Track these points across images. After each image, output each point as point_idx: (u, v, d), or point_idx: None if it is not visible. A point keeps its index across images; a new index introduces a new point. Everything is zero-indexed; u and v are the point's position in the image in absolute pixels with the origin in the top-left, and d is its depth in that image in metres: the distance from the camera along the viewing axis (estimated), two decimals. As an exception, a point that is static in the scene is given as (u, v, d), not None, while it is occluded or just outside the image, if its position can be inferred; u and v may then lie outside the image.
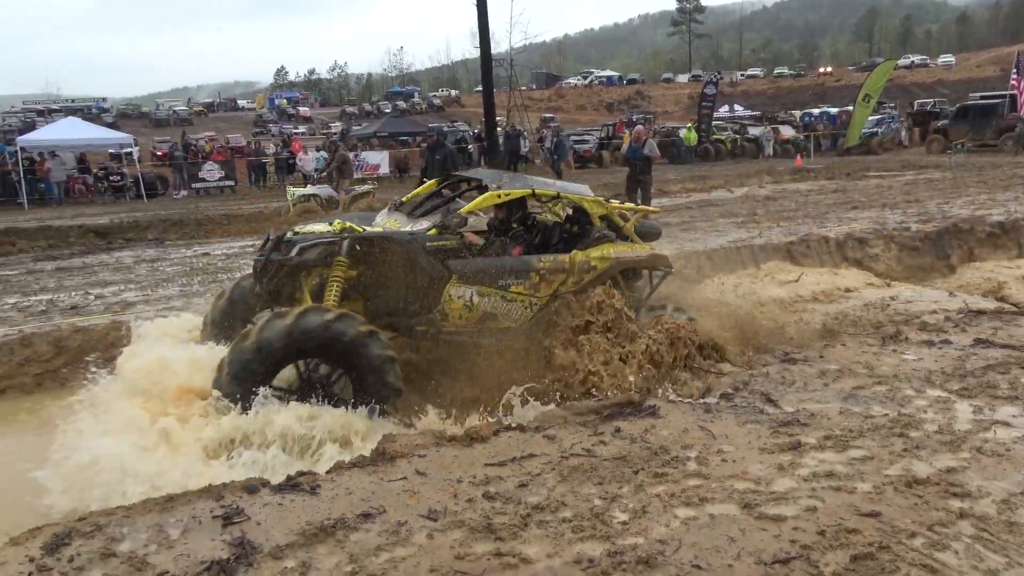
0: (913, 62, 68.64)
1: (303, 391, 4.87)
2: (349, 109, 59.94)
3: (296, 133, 41.63)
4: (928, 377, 4.94)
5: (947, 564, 2.76)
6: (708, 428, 4.11)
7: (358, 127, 41.78)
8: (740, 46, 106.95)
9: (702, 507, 3.19)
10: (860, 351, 5.67)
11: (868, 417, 4.24)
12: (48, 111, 50.35)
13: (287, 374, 4.95)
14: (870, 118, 31.89)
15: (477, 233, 6.14)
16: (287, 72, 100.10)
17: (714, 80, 34.62)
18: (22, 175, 21.94)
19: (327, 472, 3.71)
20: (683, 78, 74.03)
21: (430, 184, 6.80)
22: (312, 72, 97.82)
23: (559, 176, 23.55)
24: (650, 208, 7.12)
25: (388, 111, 53.17)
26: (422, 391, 5.32)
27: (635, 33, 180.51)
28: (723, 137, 31.77)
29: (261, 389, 4.60)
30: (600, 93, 68.80)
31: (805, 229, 10.96)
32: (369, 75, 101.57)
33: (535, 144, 30.20)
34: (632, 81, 74.84)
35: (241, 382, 4.58)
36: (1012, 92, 27.17)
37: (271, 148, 31.60)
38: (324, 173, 17.84)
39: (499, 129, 30.40)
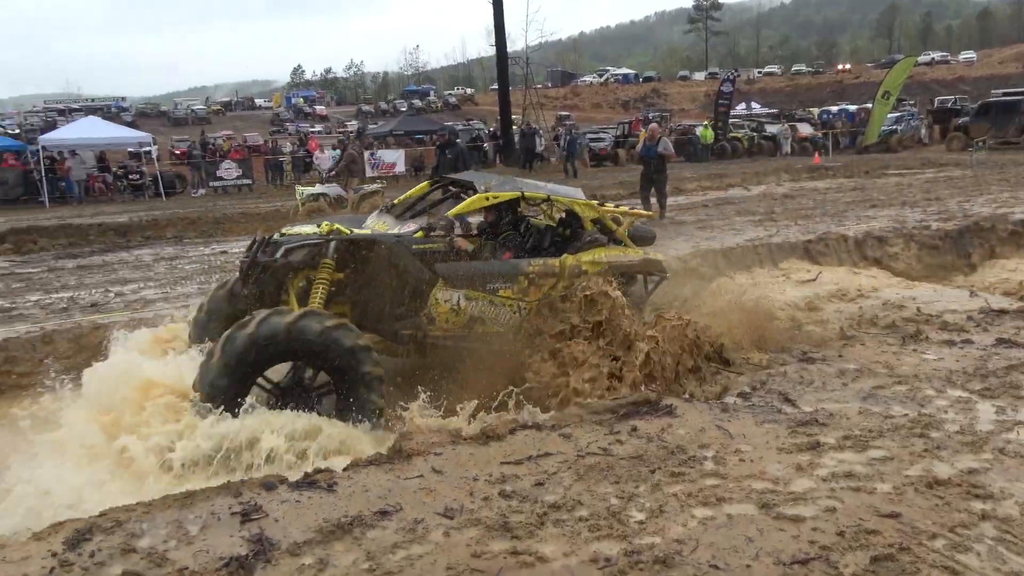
0: (933, 59, 67.85)
1: (286, 393, 4.76)
2: (365, 108, 60.23)
3: (312, 132, 41.87)
4: (949, 377, 4.88)
5: (969, 566, 2.73)
6: (725, 427, 4.08)
7: (374, 125, 41.90)
8: (757, 43, 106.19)
9: (720, 507, 3.18)
10: (879, 350, 5.61)
11: (888, 417, 4.19)
12: (69, 110, 51.07)
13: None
14: (889, 115, 31.50)
15: (467, 238, 6.08)
16: (304, 71, 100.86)
17: (731, 78, 34.33)
18: (43, 174, 22.19)
19: (344, 469, 3.73)
20: (699, 76, 73.67)
21: (422, 186, 6.70)
22: (328, 71, 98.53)
23: (574, 175, 23.53)
24: (642, 212, 6.95)
25: (404, 110, 53.32)
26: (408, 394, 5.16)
27: (651, 30, 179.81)
28: (740, 135, 31.52)
29: (248, 398, 4.50)
30: (616, 91, 68.63)
31: (823, 227, 10.86)
32: (385, 74, 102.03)
33: (550, 142, 30.14)
34: (648, 79, 74.59)
35: (231, 374, 4.45)
36: (1035, 88, 26.75)
37: (288, 147, 31.79)
38: (333, 172, 17.86)
39: (514, 127, 30.41)
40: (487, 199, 5.70)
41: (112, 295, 8.67)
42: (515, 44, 37.83)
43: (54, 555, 2.87)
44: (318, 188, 16.93)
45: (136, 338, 5.92)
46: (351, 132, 37.52)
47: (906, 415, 4.21)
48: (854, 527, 2.97)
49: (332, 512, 3.19)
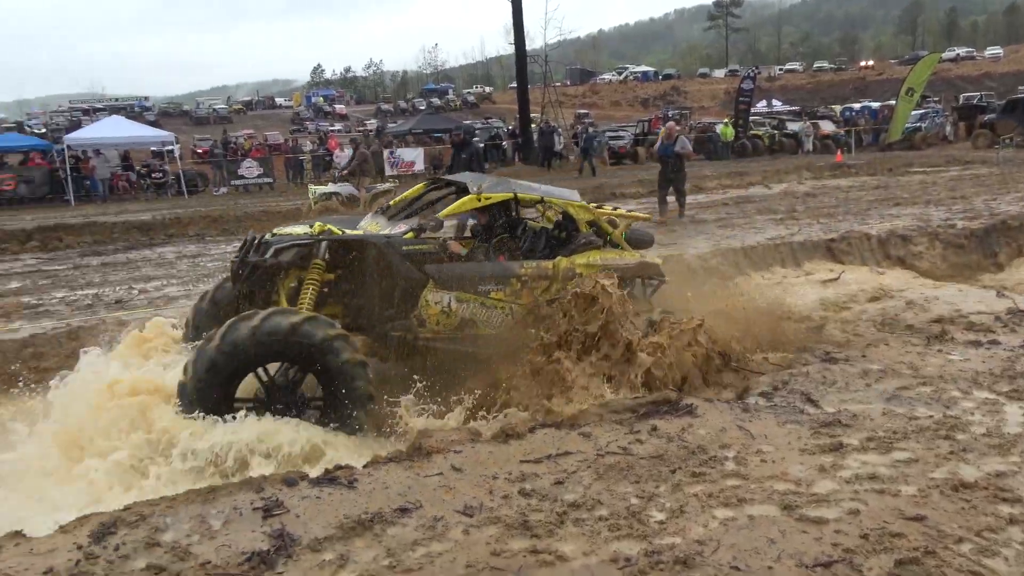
0: (959, 55, 66.92)
1: (270, 398, 4.68)
2: (384, 106, 60.42)
3: (332, 130, 42.09)
4: (975, 378, 4.81)
5: (996, 571, 2.68)
6: (747, 428, 4.05)
7: (393, 124, 42.10)
8: (778, 40, 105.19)
9: (741, 508, 3.15)
10: (904, 351, 5.54)
11: (912, 419, 4.14)
12: (93, 110, 51.69)
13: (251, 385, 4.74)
14: (913, 112, 31.10)
15: (461, 241, 6.03)
16: (323, 70, 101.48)
17: (752, 75, 34.08)
18: (68, 173, 22.53)
19: (364, 466, 3.74)
20: (719, 73, 73.20)
21: (418, 187, 6.64)
22: (348, 70, 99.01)
23: (592, 173, 23.46)
24: (639, 215, 6.83)
25: (423, 108, 53.51)
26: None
27: (671, 28, 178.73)
28: (761, 133, 31.26)
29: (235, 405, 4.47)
30: (635, 89, 68.37)
31: (846, 226, 10.75)
32: (404, 72, 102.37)
33: (569, 140, 30.07)
34: (668, 76, 74.22)
35: (208, 384, 4.40)
36: (1064, 85, 26.25)
37: (308, 145, 32.02)
38: (345, 171, 17.96)
39: (533, 126, 30.38)
40: (479, 200, 5.62)
41: (136, 292, 8.79)
42: (534, 42, 37.73)
43: (79, 548, 2.91)
44: (330, 187, 17.03)
45: (122, 339, 5.81)
46: (368, 131, 37.71)
47: (931, 417, 4.15)
48: (878, 530, 2.93)
49: (352, 508, 3.21)
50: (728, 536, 2.93)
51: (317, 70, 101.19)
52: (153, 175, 25.01)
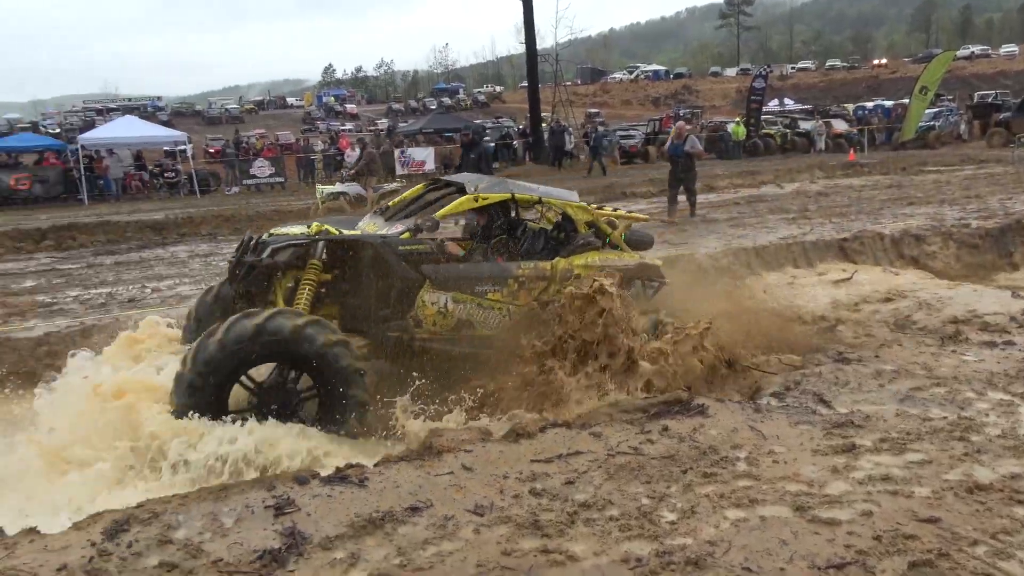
0: (973, 53, 66.25)
1: (264, 399, 4.67)
2: (395, 106, 60.55)
3: (343, 130, 42.20)
4: (990, 379, 4.76)
5: (1011, 574, 2.66)
6: (758, 428, 4.03)
7: (404, 124, 42.12)
8: (790, 38, 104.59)
9: (753, 508, 3.13)
10: (917, 351, 5.50)
11: (926, 420, 4.11)
12: (107, 110, 52.05)
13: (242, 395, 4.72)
14: (927, 111, 30.85)
15: (458, 242, 6.00)
16: (335, 70, 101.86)
17: (763, 73, 33.89)
18: (82, 172, 22.70)
19: (375, 465, 3.76)
20: (731, 72, 72.85)
21: (416, 188, 6.60)
22: (359, 70, 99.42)
23: (603, 172, 23.40)
24: (639, 216, 6.75)
25: (433, 108, 53.55)
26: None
27: (682, 27, 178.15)
28: (773, 131, 31.08)
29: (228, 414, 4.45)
30: (646, 88, 68.17)
31: (859, 225, 10.68)
32: (415, 72, 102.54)
33: (580, 140, 30.01)
34: (679, 75, 73.98)
35: (205, 377, 4.40)
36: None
37: (319, 145, 32.09)
38: (353, 171, 18.00)
39: (544, 125, 30.35)
40: (475, 200, 5.60)
41: (149, 291, 8.84)
42: (545, 41, 37.71)
43: (93, 545, 2.93)
44: (338, 187, 17.06)
45: (114, 342, 5.78)
46: (379, 131, 37.77)
47: (945, 418, 4.12)
48: (891, 532, 2.91)
49: (363, 507, 3.21)
50: (740, 537, 2.91)
51: (328, 70, 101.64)
52: (166, 175, 25.15)
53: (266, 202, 20.20)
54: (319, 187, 17.70)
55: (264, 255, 5.16)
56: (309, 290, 5.16)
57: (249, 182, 25.85)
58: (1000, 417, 4.11)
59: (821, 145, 30.27)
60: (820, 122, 32.42)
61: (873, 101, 43.25)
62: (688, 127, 14.73)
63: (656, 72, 75.33)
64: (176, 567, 2.77)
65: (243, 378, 4.61)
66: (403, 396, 4.79)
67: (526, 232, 6.14)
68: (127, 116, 34.36)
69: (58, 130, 41.60)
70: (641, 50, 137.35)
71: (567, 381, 4.73)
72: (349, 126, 47.34)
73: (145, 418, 4.41)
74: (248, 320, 4.51)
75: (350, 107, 61.54)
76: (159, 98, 64.53)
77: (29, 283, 9.94)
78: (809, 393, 4.66)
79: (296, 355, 4.60)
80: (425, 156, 27.83)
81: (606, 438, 3.94)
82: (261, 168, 26.31)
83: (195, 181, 24.48)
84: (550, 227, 6.22)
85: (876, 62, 72.23)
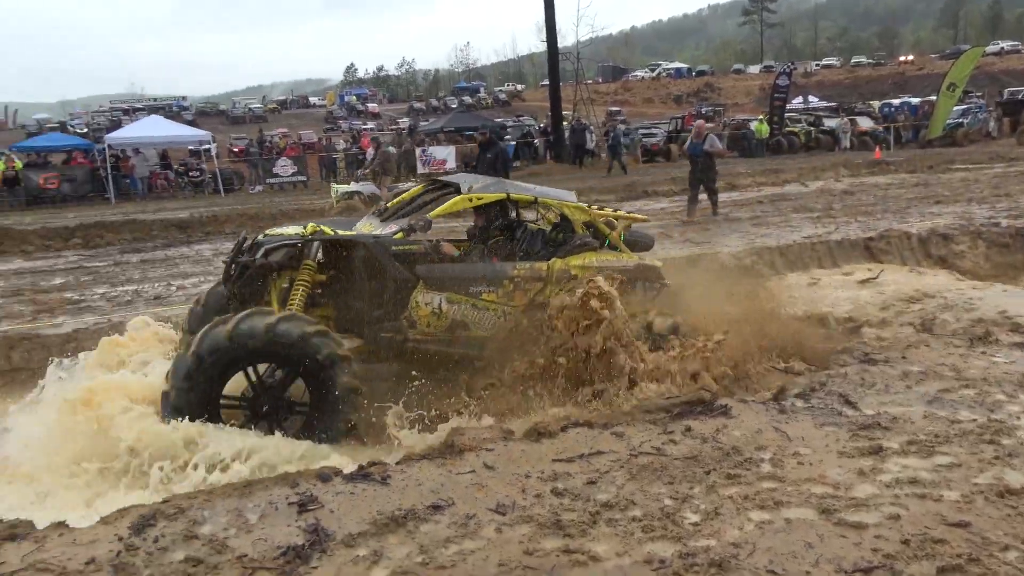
0: (1003, 48, 65.00)
1: (256, 400, 4.67)
2: (416, 105, 60.74)
3: (365, 129, 42.41)
4: (1021, 381, 4.66)
5: (1044, 580, 2.60)
6: (783, 429, 3.99)
7: (425, 122, 42.25)
8: (815, 35, 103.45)
9: (777, 511, 3.10)
10: (946, 352, 5.40)
11: (955, 422, 4.03)
12: (133, 110, 52.74)
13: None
14: (955, 108, 30.40)
15: (455, 242, 5.97)
16: (356, 69, 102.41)
17: (787, 70, 33.59)
18: (109, 171, 23.04)
19: (397, 463, 3.77)
20: (754, 69, 72.19)
21: (415, 188, 6.56)
22: (381, 69, 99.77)
23: (623, 171, 23.30)
24: (638, 216, 6.65)
25: (454, 106, 53.59)
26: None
27: (704, 24, 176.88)
28: (797, 129, 30.77)
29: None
30: (668, 85, 67.72)
31: (885, 225, 10.54)
32: (436, 71, 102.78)
33: (601, 138, 29.91)
34: (701, 73, 73.42)
35: (187, 392, 4.39)
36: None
37: (341, 144, 32.30)
38: (367, 171, 18.08)
39: (565, 123, 30.29)
40: (470, 200, 5.55)
41: (174, 288, 8.95)
42: (566, 39, 37.55)
43: (120, 539, 2.97)
44: (353, 186, 17.14)
45: (99, 347, 5.73)
46: (400, 130, 37.90)
47: (975, 420, 4.05)
48: (920, 536, 2.86)
49: (386, 505, 3.23)
50: (764, 539, 2.88)
51: (350, 69, 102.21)
52: (191, 173, 25.47)
53: (288, 201, 20.37)
54: (334, 186, 17.81)
55: (258, 256, 5.17)
56: (303, 291, 5.15)
57: (272, 181, 26.09)
58: (1032, 420, 4.03)
59: (846, 143, 29.91)
60: (845, 119, 32.04)
61: (899, 98, 42.65)
62: (709, 125, 14.62)
63: (678, 70, 74.82)
64: (201, 562, 2.79)
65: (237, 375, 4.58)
66: (396, 405, 4.75)
67: (525, 233, 6.08)
68: (153, 116, 34.81)
69: (85, 130, 42.27)
70: (663, 47, 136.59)
71: (556, 409, 4.46)
72: (371, 125, 47.56)
73: (123, 427, 4.30)
74: (218, 328, 4.50)
75: (372, 106, 61.81)
76: (184, 98, 65.33)
77: (58, 280, 10.11)
78: (834, 394, 4.59)
79: (281, 355, 4.57)
80: (446, 155, 27.91)
81: (628, 438, 3.92)
82: (284, 167, 26.55)
83: (219, 180, 24.76)
84: (548, 228, 6.15)
85: (903, 58, 71.12)
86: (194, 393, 4.41)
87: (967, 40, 76.50)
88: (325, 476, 3.55)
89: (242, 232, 5.89)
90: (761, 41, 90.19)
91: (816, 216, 12.02)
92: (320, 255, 5.33)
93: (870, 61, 72.31)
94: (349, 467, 3.81)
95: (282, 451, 4.35)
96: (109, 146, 23.60)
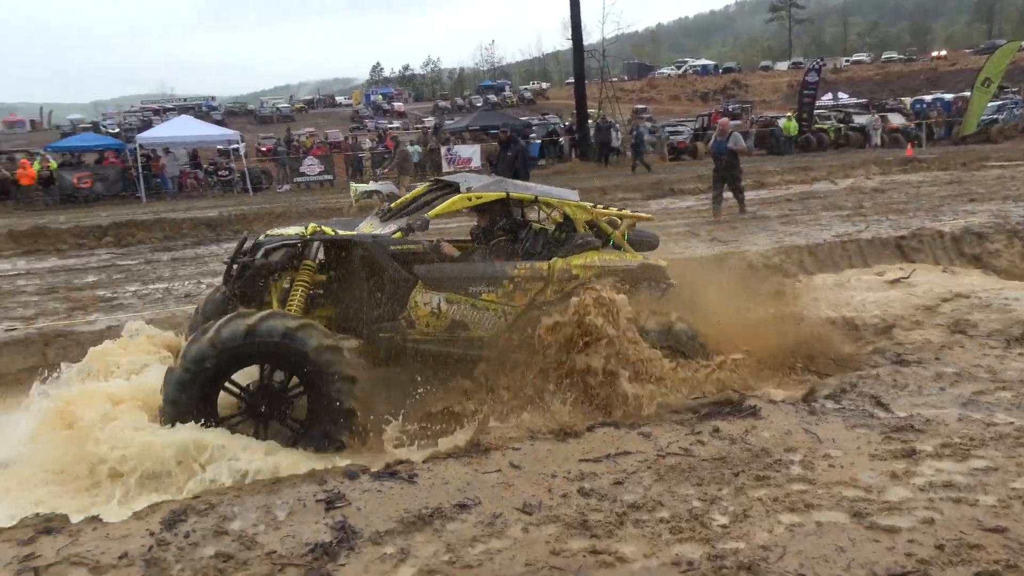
0: (1040, 43, 63.53)
1: (254, 399, 4.70)
2: (442, 104, 60.92)
3: (391, 128, 42.64)
4: (1060, 384, 4.56)
5: (1086, 588, 2.54)
6: (813, 431, 3.93)
7: (450, 121, 42.35)
8: (844, 30, 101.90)
9: (808, 514, 3.06)
10: (981, 353, 5.29)
11: (991, 425, 3.95)
12: (163, 110, 53.59)
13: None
14: (990, 104, 29.74)
15: (458, 243, 5.92)
16: (382, 68, 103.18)
17: (816, 67, 33.09)
18: (140, 171, 23.42)
19: (424, 461, 3.78)
20: (782, 65, 71.41)
21: (419, 188, 6.50)
22: (406, 68, 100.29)
23: (648, 169, 23.15)
24: (643, 215, 6.53)
25: (479, 105, 53.65)
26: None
27: (732, 20, 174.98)
28: (826, 126, 30.32)
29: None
30: (694, 83, 67.17)
31: (917, 223, 10.35)
32: (461, 70, 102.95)
33: (627, 136, 29.76)
34: (728, 70, 72.77)
35: (181, 401, 4.43)
36: None
37: (367, 143, 32.49)
38: (386, 170, 18.14)
39: (590, 121, 30.17)
40: (469, 199, 5.49)
41: (204, 286, 9.05)
42: (591, 37, 37.32)
43: (152, 534, 3.01)
44: (371, 185, 17.22)
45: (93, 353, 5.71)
46: (426, 128, 38.02)
47: (1011, 423, 3.95)
48: (955, 541, 2.80)
49: (412, 503, 3.24)
50: (794, 543, 2.84)
51: (376, 68, 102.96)
52: (220, 173, 25.79)
53: (315, 199, 20.55)
54: (353, 185, 17.92)
55: (258, 256, 5.19)
56: (302, 291, 5.15)
57: (299, 180, 26.32)
58: (1071, 424, 3.93)
59: (877, 140, 29.41)
60: (876, 116, 31.50)
61: (932, 94, 41.84)
62: (734, 123, 14.44)
63: (704, 67, 74.20)
64: (231, 558, 2.82)
65: (228, 383, 4.62)
66: (395, 420, 4.73)
67: (527, 233, 6.03)
68: (182, 116, 35.32)
69: (117, 130, 43.00)
70: (690, 44, 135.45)
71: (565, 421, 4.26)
72: (397, 124, 47.83)
73: (103, 439, 4.27)
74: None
75: (398, 105, 62.15)
76: (213, 98, 66.21)
77: (91, 278, 10.30)
78: (866, 396, 4.52)
79: (288, 357, 4.59)
80: (471, 153, 27.94)
81: (655, 438, 3.90)
82: (311, 166, 26.77)
83: (248, 179, 25.04)
84: (551, 227, 6.09)
85: (935, 54, 69.81)
86: (188, 403, 4.45)
87: (1002, 35, 74.76)
88: (352, 474, 3.57)
89: (243, 233, 5.90)
90: (789, 37, 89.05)
91: (846, 214, 11.84)
92: (320, 255, 5.33)
93: (901, 57, 71.08)
94: (376, 465, 3.83)
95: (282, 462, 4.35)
96: (140, 146, 23.99)
